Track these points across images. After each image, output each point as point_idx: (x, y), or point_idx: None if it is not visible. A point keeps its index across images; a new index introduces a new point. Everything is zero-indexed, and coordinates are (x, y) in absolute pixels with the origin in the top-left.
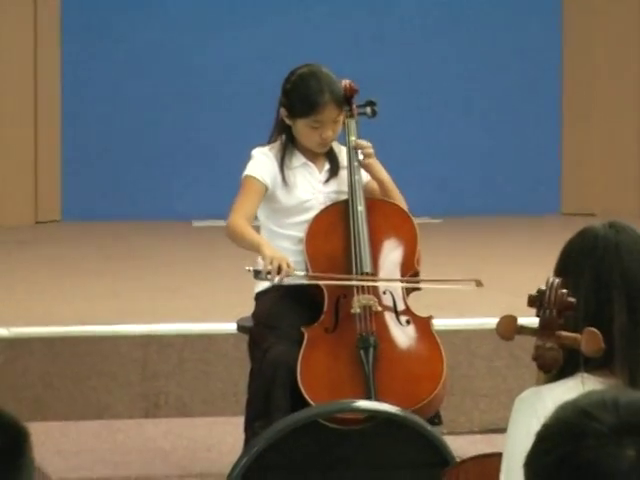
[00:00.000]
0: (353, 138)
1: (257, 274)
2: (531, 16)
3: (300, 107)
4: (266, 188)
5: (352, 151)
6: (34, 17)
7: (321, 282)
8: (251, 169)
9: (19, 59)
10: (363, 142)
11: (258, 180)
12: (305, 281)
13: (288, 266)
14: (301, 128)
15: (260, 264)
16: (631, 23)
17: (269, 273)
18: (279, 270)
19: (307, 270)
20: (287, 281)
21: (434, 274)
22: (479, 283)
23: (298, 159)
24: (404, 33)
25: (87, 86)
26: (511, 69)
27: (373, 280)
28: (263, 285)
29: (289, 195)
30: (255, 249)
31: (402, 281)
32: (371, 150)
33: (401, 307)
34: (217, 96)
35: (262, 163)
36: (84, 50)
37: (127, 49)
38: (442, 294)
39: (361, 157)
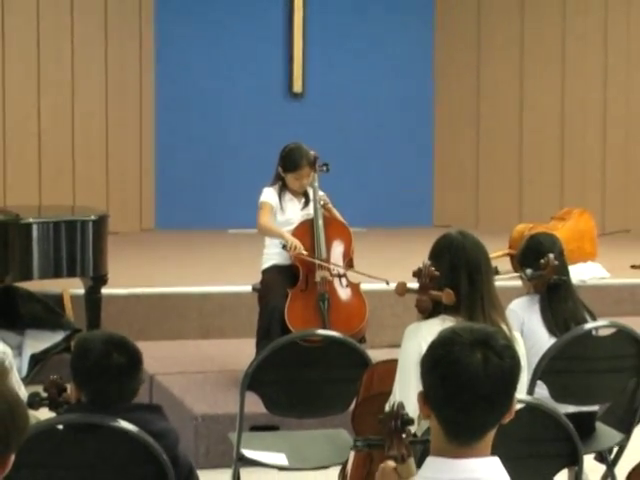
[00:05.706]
0: (316, 184)
1: (284, 247)
2: (407, 71)
3: (289, 166)
4: (272, 207)
5: (315, 195)
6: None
7: (307, 259)
8: (264, 197)
9: (132, 111)
10: (322, 197)
11: (269, 203)
12: (305, 257)
13: (299, 247)
14: (289, 178)
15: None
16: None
17: (290, 248)
18: (295, 248)
19: (290, 258)
20: (295, 255)
21: (362, 259)
22: (387, 282)
23: (288, 195)
24: (342, 117)
25: (174, 135)
26: (401, 127)
27: (327, 262)
28: (265, 265)
29: (282, 215)
30: (279, 236)
31: (342, 268)
32: (327, 200)
33: (343, 278)
34: (248, 153)
35: (270, 195)
36: (172, 124)
37: (200, 117)
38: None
39: (322, 203)
